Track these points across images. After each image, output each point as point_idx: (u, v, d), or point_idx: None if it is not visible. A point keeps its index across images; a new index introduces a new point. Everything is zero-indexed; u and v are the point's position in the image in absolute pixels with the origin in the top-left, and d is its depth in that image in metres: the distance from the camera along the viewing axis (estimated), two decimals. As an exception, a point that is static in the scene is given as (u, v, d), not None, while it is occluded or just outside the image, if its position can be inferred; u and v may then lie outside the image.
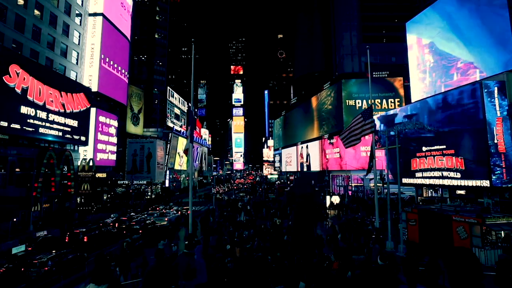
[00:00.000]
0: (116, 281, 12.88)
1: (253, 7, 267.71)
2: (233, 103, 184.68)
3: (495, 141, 20.18)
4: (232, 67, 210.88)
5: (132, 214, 35.73)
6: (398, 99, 48.57)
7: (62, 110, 35.22)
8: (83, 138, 39.69)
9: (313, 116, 62.06)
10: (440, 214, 17.08)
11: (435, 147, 24.52)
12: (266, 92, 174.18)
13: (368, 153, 25.22)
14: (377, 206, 18.14)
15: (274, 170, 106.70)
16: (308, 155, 62.05)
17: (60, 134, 35.11)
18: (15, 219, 27.60)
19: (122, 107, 55.97)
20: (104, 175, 45.90)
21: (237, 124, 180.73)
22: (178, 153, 73.96)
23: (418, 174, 26.36)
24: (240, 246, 13.62)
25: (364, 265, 9.58)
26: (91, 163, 40.17)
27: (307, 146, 62.76)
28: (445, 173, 23.66)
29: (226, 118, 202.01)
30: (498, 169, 19.90)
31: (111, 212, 36.99)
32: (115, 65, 51.01)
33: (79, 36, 43.18)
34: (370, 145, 18.01)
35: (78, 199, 39.62)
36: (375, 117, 24.83)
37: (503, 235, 14.86)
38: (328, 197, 38.27)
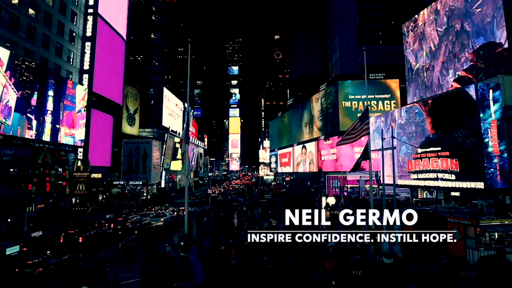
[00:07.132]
0: (109, 284, 12.83)
1: (250, 7, 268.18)
2: (230, 103, 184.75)
3: (490, 144, 20.37)
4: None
5: (128, 214, 35.54)
6: (394, 101, 48.86)
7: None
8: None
9: (309, 117, 62.25)
10: (434, 215, 17.18)
11: (431, 149, 24.70)
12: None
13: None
14: (373, 207, 18.19)
15: (270, 171, 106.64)
16: (303, 156, 62.20)
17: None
18: (9, 220, 27.33)
19: (117, 107, 55.69)
20: (100, 175, 45.58)
21: (233, 125, 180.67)
22: (178, 159, 73.74)
23: (414, 176, 26.52)
24: (235, 247, 13.60)
25: (361, 265, 9.63)
26: (86, 164, 39.92)
27: (302, 147, 62.91)
28: (440, 175, 23.83)
29: (223, 118, 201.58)
30: (492, 171, 20.08)
31: (106, 213, 36.75)
32: (111, 65, 50.75)
33: (74, 36, 42.92)
34: (364, 146, 18.07)
35: (73, 200, 39.33)
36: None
37: (496, 237, 14.99)
38: (323, 198, 38.33)
